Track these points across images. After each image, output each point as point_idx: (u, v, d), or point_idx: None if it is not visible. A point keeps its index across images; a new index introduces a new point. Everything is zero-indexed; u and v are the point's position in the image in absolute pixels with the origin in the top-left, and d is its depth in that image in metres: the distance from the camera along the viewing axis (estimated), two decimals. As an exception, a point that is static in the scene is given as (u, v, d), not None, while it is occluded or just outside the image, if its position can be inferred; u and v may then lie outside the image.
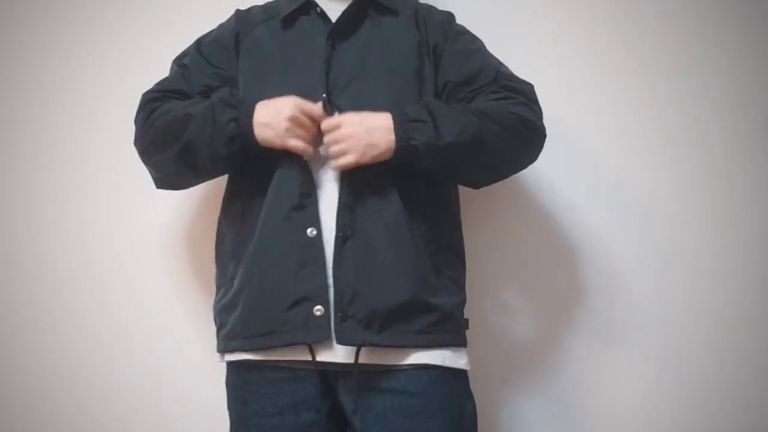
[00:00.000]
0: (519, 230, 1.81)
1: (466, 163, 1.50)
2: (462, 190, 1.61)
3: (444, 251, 1.52)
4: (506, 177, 1.59)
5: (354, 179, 1.45)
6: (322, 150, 1.48)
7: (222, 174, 1.58)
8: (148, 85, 1.60)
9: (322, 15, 1.56)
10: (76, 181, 1.86)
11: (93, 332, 1.83)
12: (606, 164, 1.82)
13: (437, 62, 1.56)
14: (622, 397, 1.79)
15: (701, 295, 1.79)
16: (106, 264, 1.84)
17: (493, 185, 1.59)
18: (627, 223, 1.81)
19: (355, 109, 1.47)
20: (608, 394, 1.79)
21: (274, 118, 1.44)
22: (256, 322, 1.47)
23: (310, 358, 1.44)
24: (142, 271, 1.83)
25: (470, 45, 1.60)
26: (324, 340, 1.43)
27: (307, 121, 1.45)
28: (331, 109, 1.48)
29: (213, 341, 1.56)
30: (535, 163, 1.58)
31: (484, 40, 1.63)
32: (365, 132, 1.43)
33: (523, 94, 1.54)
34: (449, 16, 1.63)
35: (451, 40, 1.58)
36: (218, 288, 1.57)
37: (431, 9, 1.63)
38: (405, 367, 1.45)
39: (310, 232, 1.45)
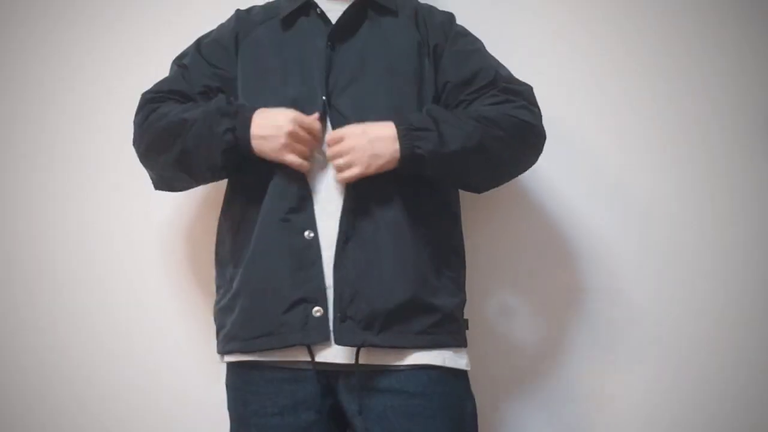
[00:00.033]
0: (519, 230, 1.81)
1: (469, 169, 1.50)
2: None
3: (444, 251, 1.52)
4: (508, 181, 1.60)
5: (357, 182, 1.45)
6: (318, 154, 1.48)
7: (220, 179, 1.58)
8: (148, 85, 1.60)
9: (322, 16, 1.56)
10: (76, 181, 1.86)
11: (93, 332, 1.83)
12: (606, 164, 1.82)
13: (437, 62, 1.56)
14: (622, 397, 1.79)
15: (701, 295, 1.79)
16: (106, 264, 1.84)
17: (493, 185, 1.60)
18: (627, 223, 1.81)
19: (355, 110, 1.48)
20: (608, 394, 1.79)
21: (272, 132, 1.44)
22: (253, 324, 1.47)
23: (310, 359, 1.44)
24: (142, 271, 1.83)
25: (470, 46, 1.60)
26: (323, 342, 1.43)
27: (305, 135, 1.45)
28: (331, 111, 1.48)
29: (213, 341, 1.56)
30: (535, 164, 1.58)
31: (484, 40, 1.63)
32: (368, 143, 1.43)
33: (522, 97, 1.54)
34: (450, 17, 1.63)
35: (452, 40, 1.58)
36: (218, 289, 1.58)
37: (432, 9, 1.63)
38: (405, 368, 1.45)
39: (308, 234, 1.45)
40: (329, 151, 1.45)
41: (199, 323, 1.77)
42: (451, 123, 1.45)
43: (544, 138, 1.56)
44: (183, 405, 1.81)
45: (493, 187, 1.59)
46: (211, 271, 1.60)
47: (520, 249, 1.81)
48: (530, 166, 1.58)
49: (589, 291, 1.80)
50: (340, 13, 1.55)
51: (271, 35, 1.57)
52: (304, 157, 1.46)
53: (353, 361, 1.43)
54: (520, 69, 1.62)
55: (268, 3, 1.66)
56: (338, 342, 1.42)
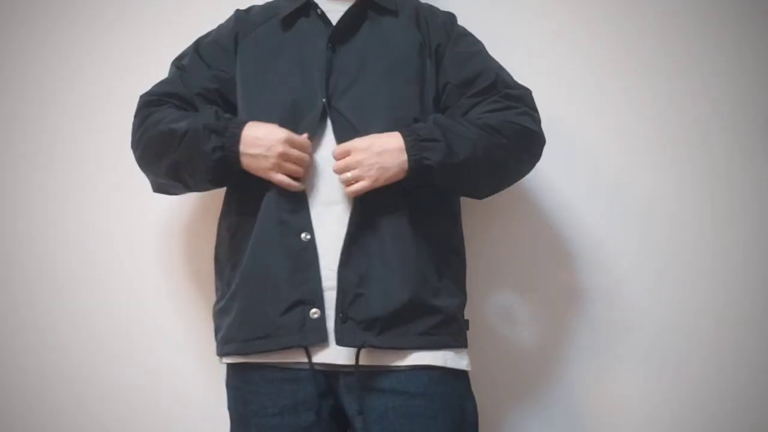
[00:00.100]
0: (519, 230, 1.81)
1: (474, 178, 1.51)
2: (463, 190, 1.62)
3: (444, 251, 1.52)
4: (507, 187, 1.60)
5: None
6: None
7: (215, 188, 1.58)
8: (148, 85, 1.60)
9: (323, 17, 1.55)
10: (76, 181, 1.86)
11: (93, 332, 1.83)
12: (606, 164, 1.82)
13: (439, 63, 1.56)
14: (622, 397, 1.79)
15: (701, 295, 1.79)
16: (106, 264, 1.84)
17: (493, 186, 1.60)
18: (627, 223, 1.81)
19: (356, 111, 1.48)
20: (608, 394, 1.79)
21: (262, 151, 1.44)
22: (250, 326, 1.47)
23: (311, 361, 1.44)
24: (142, 271, 1.83)
25: (472, 47, 1.60)
26: (320, 343, 1.43)
27: (297, 153, 1.45)
28: (332, 112, 1.48)
29: (213, 341, 1.56)
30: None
31: (484, 41, 1.63)
32: (376, 156, 1.43)
33: (524, 103, 1.54)
34: (451, 17, 1.63)
35: (453, 41, 1.58)
36: (216, 291, 1.58)
37: (433, 9, 1.63)
38: (406, 368, 1.45)
39: (304, 236, 1.45)
40: (336, 165, 1.45)
41: (199, 323, 1.77)
42: (458, 132, 1.45)
43: (544, 142, 1.56)
44: (183, 405, 1.81)
45: (494, 193, 1.59)
46: (211, 271, 1.60)
47: (520, 249, 1.81)
48: (528, 173, 1.59)
49: (590, 291, 1.80)
50: (340, 14, 1.55)
51: (271, 36, 1.57)
52: (296, 176, 1.45)
53: (353, 362, 1.43)
54: (520, 69, 1.62)
55: (268, 3, 1.66)
56: (339, 343, 1.42)
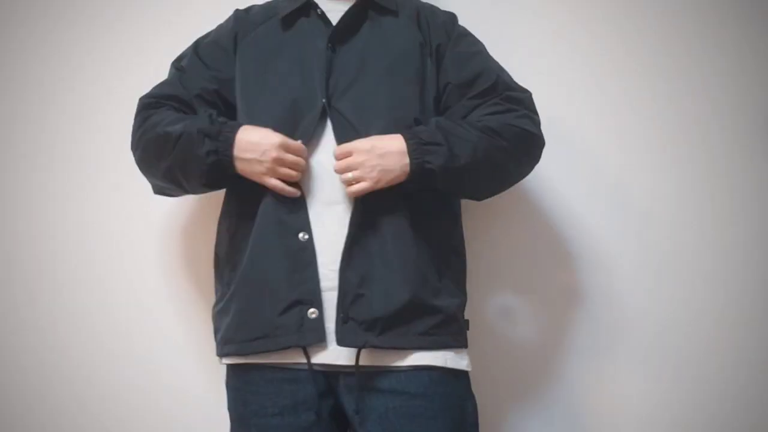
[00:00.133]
0: (519, 231, 1.81)
1: (475, 181, 1.51)
2: (462, 190, 1.62)
3: (445, 251, 1.52)
4: (508, 188, 1.60)
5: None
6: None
7: (212, 191, 1.58)
8: (148, 85, 1.60)
9: (323, 17, 1.55)
10: (76, 181, 1.86)
11: (93, 332, 1.83)
12: (606, 164, 1.82)
13: (439, 62, 1.56)
14: (622, 397, 1.79)
15: (701, 295, 1.79)
16: (106, 264, 1.84)
17: (493, 186, 1.60)
18: (627, 223, 1.81)
19: (356, 111, 1.48)
20: (608, 394, 1.79)
21: (255, 156, 1.44)
22: (248, 327, 1.47)
23: (309, 362, 1.44)
24: (142, 271, 1.83)
25: (472, 47, 1.60)
26: (318, 343, 1.43)
27: (292, 158, 1.44)
28: (332, 112, 1.48)
29: (213, 341, 1.56)
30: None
31: (484, 40, 1.63)
32: (378, 158, 1.43)
33: (524, 106, 1.54)
34: (452, 17, 1.63)
35: (454, 41, 1.58)
36: (216, 292, 1.58)
37: (434, 9, 1.63)
38: (406, 368, 1.45)
39: (302, 236, 1.45)
40: (337, 165, 1.45)
41: (199, 323, 1.77)
42: (460, 135, 1.46)
43: (544, 146, 1.57)
44: (183, 405, 1.81)
45: (494, 195, 1.60)
46: (211, 271, 1.60)
47: (520, 249, 1.81)
48: (528, 174, 1.59)
49: (589, 291, 1.80)
50: (340, 14, 1.55)
51: (270, 36, 1.57)
52: (291, 181, 1.45)
53: (353, 362, 1.43)
54: (520, 69, 1.62)
55: (268, 3, 1.66)
56: (340, 343, 1.42)
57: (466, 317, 1.54)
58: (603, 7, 1.83)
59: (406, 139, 1.44)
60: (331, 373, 1.46)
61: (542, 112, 1.58)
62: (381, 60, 1.53)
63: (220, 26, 1.64)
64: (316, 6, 1.56)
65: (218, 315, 1.54)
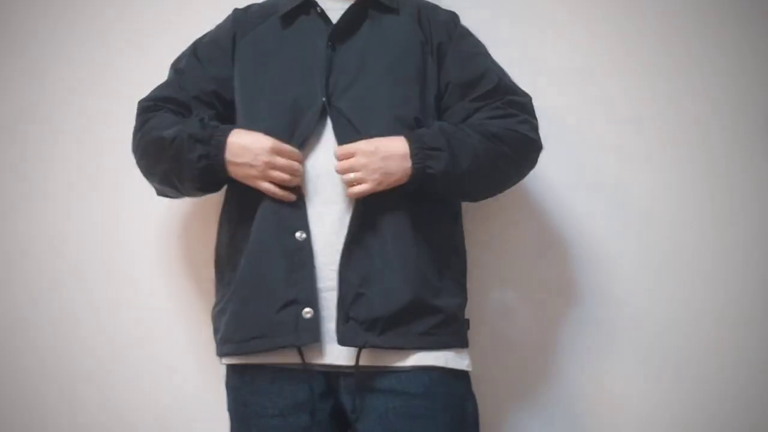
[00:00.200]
0: (519, 230, 1.81)
1: (474, 185, 1.51)
2: (463, 189, 1.61)
3: (445, 251, 1.52)
4: (505, 191, 1.60)
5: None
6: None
7: (209, 194, 1.58)
8: (148, 85, 1.60)
9: (323, 15, 1.55)
10: (76, 181, 1.86)
11: (93, 332, 1.83)
12: (606, 164, 1.82)
13: (441, 61, 1.56)
14: (622, 397, 1.79)
15: (701, 295, 1.79)
16: (106, 264, 1.84)
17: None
18: (627, 223, 1.81)
19: (356, 111, 1.48)
20: (608, 394, 1.79)
21: (247, 159, 1.44)
22: (245, 326, 1.47)
23: (312, 361, 1.44)
24: (143, 271, 1.83)
25: (473, 48, 1.60)
26: (313, 343, 1.43)
27: (284, 162, 1.44)
28: (332, 111, 1.48)
29: (213, 341, 1.56)
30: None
31: (484, 40, 1.63)
32: (380, 161, 1.43)
33: (525, 110, 1.55)
34: (453, 16, 1.63)
35: (456, 40, 1.58)
36: (217, 293, 1.58)
37: (435, 7, 1.63)
38: (406, 369, 1.45)
39: (299, 235, 1.45)
40: (339, 166, 1.45)
41: (200, 323, 1.77)
42: (462, 140, 1.46)
43: (541, 150, 1.57)
44: (183, 405, 1.81)
45: (491, 196, 1.60)
46: (211, 271, 1.60)
47: (520, 249, 1.81)
48: (524, 178, 1.60)
49: (589, 291, 1.80)
50: (340, 12, 1.54)
51: (270, 35, 1.57)
52: (285, 185, 1.45)
53: (353, 362, 1.43)
54: (520, 69, 1.62)
55: (266, 1, 1.65)
56: (341, 343, 1.42)
57: (466, 317, 1.54)
58: (603, 7, 1.83)
59: (409, 143, 1.44)
60: (332, 373, 1.46)
61: (542, 112, 1.58)
62: (381, 59, 1.53)
63: (219, 26, 1.64)
64: (316, 4, 1.56)
65: (218, 315, 1.54)
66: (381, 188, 1.44)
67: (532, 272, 1.81)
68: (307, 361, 1.44)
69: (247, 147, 1.44)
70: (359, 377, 1.44)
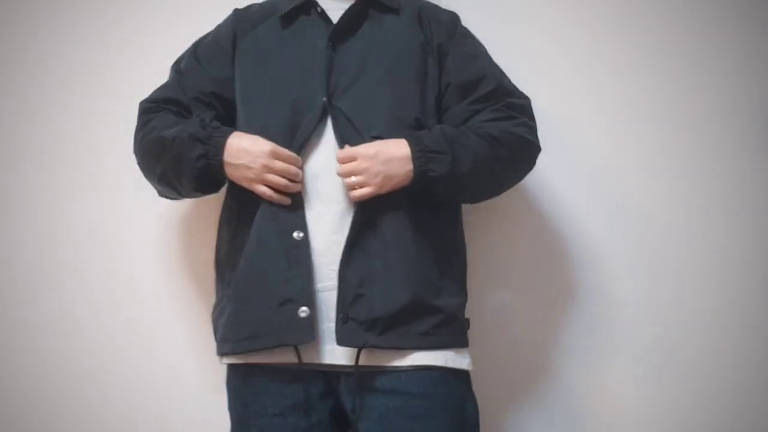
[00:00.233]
0: (519, 230, 1.81)
1: (474, 187, 1.52)
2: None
3: (446, 251, 1.52)
4: (503, 192, 1.60)
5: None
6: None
7: (208, 195, 1.58)
8: (148, 85, 1.60)
9: (323, 15, 1.55)
10: (76, 181, 1.86)
11: (93, 332, 1.83)
12: (605, 164, 1.82)
13: (441, 61, 1.56)
14: (622, 397, 1.79)
15: (701, 295, 1.79)
16: (106, 264, 1.84)
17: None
18: (626, 223, 1.81)
19: (357, 111, 1.48)
20: (608, 394, 1.79)
21: (245, 162, 1.45)
22: (242, 326, 1.47)
23: (312, 361, 1.44)
24: (143, 271, 1.83)
25: (474, 50, 1.60)
26: (308, 342, 1.43)
27: (281, 165, 1.44)
28: (332, 111, 1.48)
29: (213, 341, 1.56)
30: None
31: (484, 41, 1.63)
32: (382, 164, 1.43)
33: (524, 113, 1.55)
34: (454, 17, 1.63)
35: (456, 41, 1.58)
36: (217, 293, 1.58)
37: (436, 8, 1.63)
38: (407, 368, 1.45)
39: (297, 235, 1.45)
40: (340, 169, 1.45)
41: (200, 324, 1.77)
42: (462, 143, 1.46)
43: (539, 152, 1.57)
44: (183, 405, 1.81)
45: (490, 198, 1.60)
46: (212, 271, 1.60)
47: (519, 249, 1.81)
48: (522, 179, 1.60)
49: (589, 291, 1.80)
50: (341, 12, 1.55)
51: (270, 35, 1.57)
52: (281, 189, 1.45)
53: (353, 362, 1.43)
54: (520, 70, 1.62)
55: (267, 1, 1.65)
56: (341, 343, 1.42)
57: (466, 317, 1.54)
58: (603, 7, 1.83)
59: (411, 146, 1.44)
60: (332, 373, 1.46)
61: (542, 112, 1.58)
62: (382, 59, 1.53)
63: (219, 26, 1.64)
64: (317, 4, 1.56)
65: (218, 315, 1.54)
66: (383, 191, 1.44)
67: (532, 272, 1.81)
68: (307, 360, 1.44)
69: (246, 149, 1.45)
70: (359, 377, 1.44)
